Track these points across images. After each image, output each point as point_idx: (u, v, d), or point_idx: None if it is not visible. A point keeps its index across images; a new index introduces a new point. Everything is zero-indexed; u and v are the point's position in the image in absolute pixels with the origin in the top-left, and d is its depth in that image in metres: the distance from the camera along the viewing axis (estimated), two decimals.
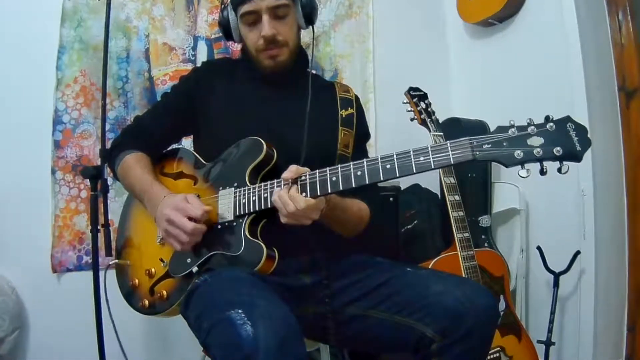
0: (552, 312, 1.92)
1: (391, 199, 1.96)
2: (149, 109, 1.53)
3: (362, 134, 1.44)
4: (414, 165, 0.98)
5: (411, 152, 0.99)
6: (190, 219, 1.15)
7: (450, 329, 1.07)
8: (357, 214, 1.30)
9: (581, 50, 1.91)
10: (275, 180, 1.15)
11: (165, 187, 1.30)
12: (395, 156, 1.01)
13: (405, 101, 1.90)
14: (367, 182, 1.03)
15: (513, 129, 0.93)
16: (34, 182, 1.83)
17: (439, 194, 2.18)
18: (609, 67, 1.97)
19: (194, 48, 2.07)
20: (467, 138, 0.95)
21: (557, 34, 2.01)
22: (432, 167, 0.97)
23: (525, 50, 2.20)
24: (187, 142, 1.72)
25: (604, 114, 1.93)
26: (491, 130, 0.96)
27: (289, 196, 1.07)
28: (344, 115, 1.39)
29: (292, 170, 1.10)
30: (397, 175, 1.00)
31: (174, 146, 1.47)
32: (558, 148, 0.90)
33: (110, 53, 1.84)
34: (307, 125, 1.25)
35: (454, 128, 2.14)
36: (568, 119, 0.92)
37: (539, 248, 2.00)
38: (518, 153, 0.91)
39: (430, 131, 1.83)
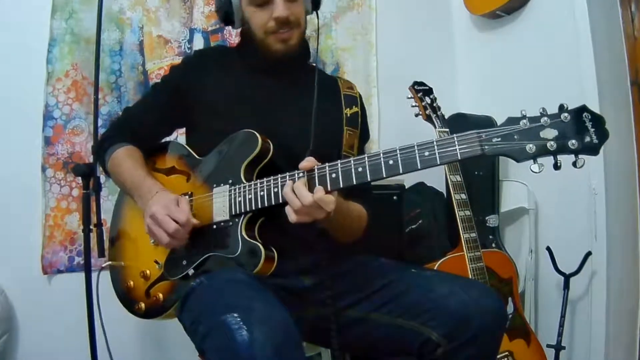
0: (562, 315, 1.90)
1: (395, 197, 1.92)
2: (139, 100, 1.50)
3: (364, 135, 1.40)
4: (418, 160, 0.94)
5: (415, 147, 0.94)
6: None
7: (456, 332, 1.04)
8: (356, 220, 1.26)
9: (592, 43, 1.90)
10: (272, 177, 1.10)
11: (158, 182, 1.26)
12: (398, 151, 0.96)
13: (409, 96, 1.88)
14: (369, 180, 0.99)
15: (525, 121, 0.87)
16: (23, 180, 1.80)
17: (444, 192, 2.16)
18: (621, 61, 1.95)
19: (190, 41, 2.03)
20: (475, 131, 0.90)
21: (567, 26, 1.99)
22: (438, 162, 0.92)
23: (534, 43, 2.19)
24: (182, 137, 1.67)
25: (615, 108, 1.92)
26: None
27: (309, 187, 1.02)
28: (348, 115, 1.35)
29: (310, 160, 1.05)
30: (401, 171, 0.96)
31: (167, 139, 1.42)
32: (573, 141, 0.85)
33: (103, 46, 1.82)
34: (314, 121, 1.21)
35: (461, 124, 2.13)
36: (584, 108, 0.87)
37: (548, 249, 1.98)
38: (530, 147, 0.86)
39: (435, 127, 1.81)
